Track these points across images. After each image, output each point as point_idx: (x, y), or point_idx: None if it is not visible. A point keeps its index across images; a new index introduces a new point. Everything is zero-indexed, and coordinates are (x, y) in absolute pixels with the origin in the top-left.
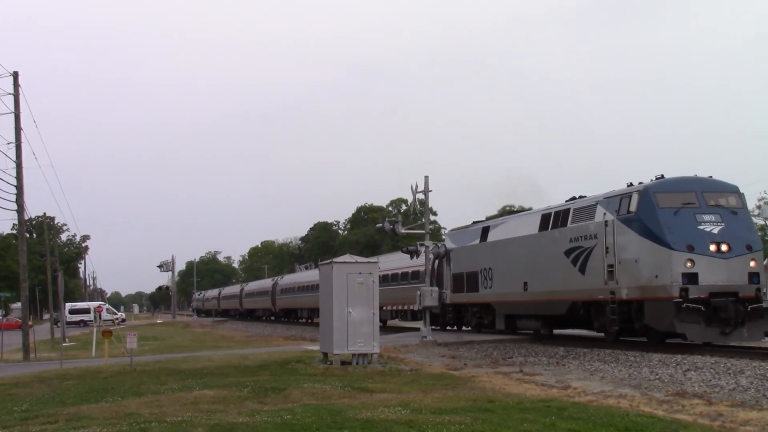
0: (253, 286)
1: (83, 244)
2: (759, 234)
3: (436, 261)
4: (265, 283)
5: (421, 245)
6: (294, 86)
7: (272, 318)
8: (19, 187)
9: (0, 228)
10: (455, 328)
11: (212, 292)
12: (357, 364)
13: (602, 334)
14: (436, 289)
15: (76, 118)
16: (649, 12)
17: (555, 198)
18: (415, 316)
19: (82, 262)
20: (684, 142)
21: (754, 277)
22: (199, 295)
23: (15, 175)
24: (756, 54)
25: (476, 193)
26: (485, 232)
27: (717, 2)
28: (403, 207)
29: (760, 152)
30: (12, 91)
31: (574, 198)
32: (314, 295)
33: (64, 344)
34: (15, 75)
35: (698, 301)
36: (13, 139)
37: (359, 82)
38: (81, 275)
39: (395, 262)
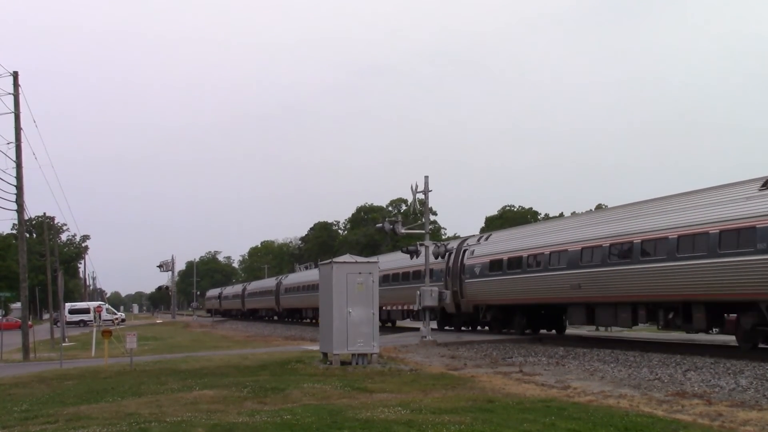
0: (295, 278)
1: (83, 244)
2: None
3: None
4: (314, 274)
5: (421, 245)
6: (294, 86)
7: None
8: (19, 187)
9: (0, 228)
10: None
11: (232, 289)
12: (357, 364)
13: None
14: (435, 288)
15: (76, 118)
16: (648, 13)
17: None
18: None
19: (82, 262)
20: (682, 141)
21: None
22: (212, 293)
23: (15, 175)
24: (755, 52)
25: (476, 193)
26: None
27: (716, 2)
28: (403, 207)
29: (761, 150)
30: (12, 91)
31: None
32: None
33: (63, 344)
34: (15, 75)
35: None
36: (13, 139)
37: (359, 82)
38: (81, 275)
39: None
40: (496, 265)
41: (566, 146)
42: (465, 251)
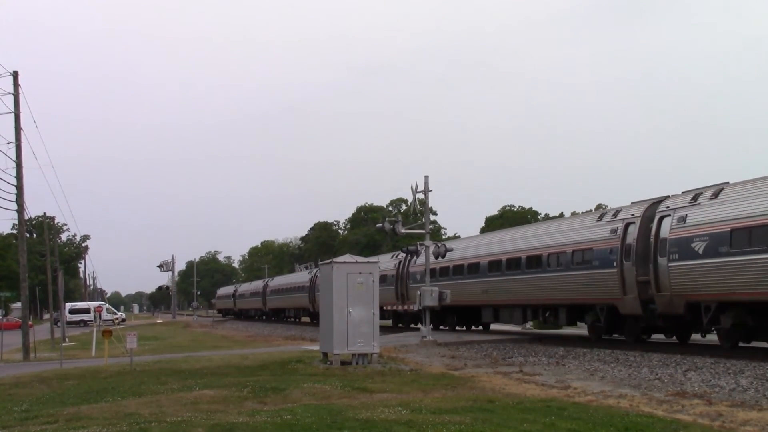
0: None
1: (83, 244)
2: None
3: None
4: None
5: (421, 245)
6: (294, 86)
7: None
8: (19, 187)
9: (0, 228)
10: None
11: (250, 286)
12: (357, 364)
13: None
14: (436, 288)
15: (76, 118)
16: (648, 13)
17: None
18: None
19: (82, 262)
20: (682, 141)
21: None
22: (225, 291)
23: (15, 175)
24: (755, 53)
25: (476, 193)
26: None
27: (716, 2)
28: (403, 207)
29: (761, 150)
30: (12, 91)
31: None
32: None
33: (64, 344)
34: (15, 75)
35: None
36: (13, 139)
37: (359, 82)
38: (81, 275)
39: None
40: (746, 237)
41: (566, 146)
42: (663, 218)
